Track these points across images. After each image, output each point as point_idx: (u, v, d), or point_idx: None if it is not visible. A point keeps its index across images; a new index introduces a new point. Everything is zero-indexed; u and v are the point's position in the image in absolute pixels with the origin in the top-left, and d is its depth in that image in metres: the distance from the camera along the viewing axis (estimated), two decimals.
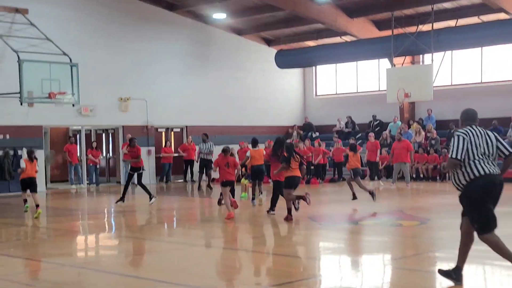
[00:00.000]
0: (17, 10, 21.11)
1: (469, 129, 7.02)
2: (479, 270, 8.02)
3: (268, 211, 13.67)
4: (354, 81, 29.10)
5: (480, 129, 7.08)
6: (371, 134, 23.09)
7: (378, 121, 27.20)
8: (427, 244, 10.22)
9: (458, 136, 6.96)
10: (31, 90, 18.93)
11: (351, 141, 22.56)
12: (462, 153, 6.85)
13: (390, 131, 25.36)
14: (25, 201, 14.96)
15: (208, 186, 21.03)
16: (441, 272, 7.27)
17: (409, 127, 25.60)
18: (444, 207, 15.25)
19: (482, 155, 6.90)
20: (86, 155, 23.87)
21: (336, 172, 24.01)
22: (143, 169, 16.87)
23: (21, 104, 19.21)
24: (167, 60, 25.44)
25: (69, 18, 22.77)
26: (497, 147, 7.03)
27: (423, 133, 24.84)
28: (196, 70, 26.44)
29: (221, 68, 27.24)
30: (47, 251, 10.23)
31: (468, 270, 7.29)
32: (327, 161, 24.44)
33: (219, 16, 24.75)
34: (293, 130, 28.94)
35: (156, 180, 25.01)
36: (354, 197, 15.78)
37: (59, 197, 20.71)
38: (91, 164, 23.96)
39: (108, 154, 26.11)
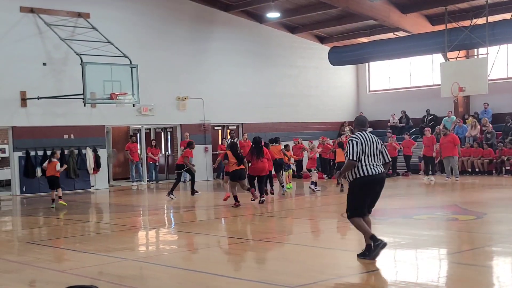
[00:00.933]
0: (79, 15, 21.85)
1: (360, 134, 8.21)
2: None
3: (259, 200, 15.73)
4: (408, 75, 28.98)
5: (369, 135, 8.26)
6: (428, 129, 22.88)
7: (432, 116, 27.04)
8: (483, 239, 10.13)
9: (352, 140, 8.15)
10: (94, 91, 19.46)
11: (343, 139, 23.81)
12: (357, 155, 8.05)
13: (444, 125, 25.26)
14: (53, 201, 16.77)
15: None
16: (358, 255, 8.31)
17: (464, 121, 25.40)
18: (501, 201, 15.17)
19: (368, 157, 8.10)
20: (146, 153, 24.51)
21: (390, 167, 24.00)
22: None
23: (85, 105, 19.82)
24: (223, 59, 25.87)
25: (128, 21, 23.39)
26: (381, 152, 8.28)
27: (478, 127, 24.59)
28: (251, 68, 26.82)
29: (275, 66, 27.56)
30: (111, 246, 10.41)
31: None
32: None
33: (273, 15, 24.95)
34: (344, 127, 29.08)
35: (213, 177, 25.55)
36: (342, 190, 17.82)
37: (121, 194, 21.26)
38: (151, 162, 24.58)
39: (167, 152, 26.71)
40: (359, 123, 8.44)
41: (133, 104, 20.80)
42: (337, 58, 28.11)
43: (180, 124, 24.94)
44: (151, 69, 23.02)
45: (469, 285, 7.13)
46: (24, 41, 21.01)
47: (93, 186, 22.40)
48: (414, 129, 27.36)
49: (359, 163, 8.05)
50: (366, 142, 8.09)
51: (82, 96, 19.33)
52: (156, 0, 24.27)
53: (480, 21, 23.49)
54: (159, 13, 24.32)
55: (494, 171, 22.93)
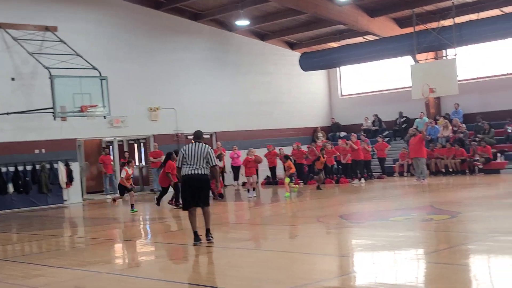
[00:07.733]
0: (46, 28, 21.60)
1: (189, 145, 10.75)
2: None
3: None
4: (379, 79, 29.20)
5: (197, 145, 10.63)
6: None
7: (404, 118, 27.27)
8: (459, 238, 10.22)
9: (181, 151, 10.76)
10: (64, 104, 19.17)
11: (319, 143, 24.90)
12: (180, 163, 10.71)
13: (417, 127, 25.47)
14: (132, 206, 17.77)
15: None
16: (194, 244, 10.56)
17: (436, 122, 25.63)
18: (475, 200, 15.34)
19: (189, 162, 10.54)
20: (120, 165, 24.27)
21: (365, 170, 24.11)
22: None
23: (55, 118, 19.57)
24: (194, 68, 25.79)
25: (96, 33, 23.23)
26: (206, 158, 10.52)
27: (450, 127, 24.86)
28: (223, 77, 26.78)
29: (247, 74, 27.56)
30: (86, 260, 10.30)
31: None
32: None
33: (242, 23, 24.96)
34: (317, 132, 29.18)
35: None
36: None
37: (95, 207, 21.02)
38: None
39: (141, 163, 26.51)
40: (195, 136, 11.02)
41: (104, 116, 20.59)
42: (308, 63, 28.22)
43: (153, 135, 24.79)
44: (121, 81, 22.86)
45: (447, 284, 7.14)
46: None
47: (66, 200, 22.11)
48: (387, 132, 27.56)
49: (185, 166, 10.55)
50: (190, 151, 10.57)
51: (52, 110, 19.07)
52: (124, 12, 24.12)
53: (448, 22, 23.75)
54: (127, 24, 24.17)
55: (467, 171, 23.15)
